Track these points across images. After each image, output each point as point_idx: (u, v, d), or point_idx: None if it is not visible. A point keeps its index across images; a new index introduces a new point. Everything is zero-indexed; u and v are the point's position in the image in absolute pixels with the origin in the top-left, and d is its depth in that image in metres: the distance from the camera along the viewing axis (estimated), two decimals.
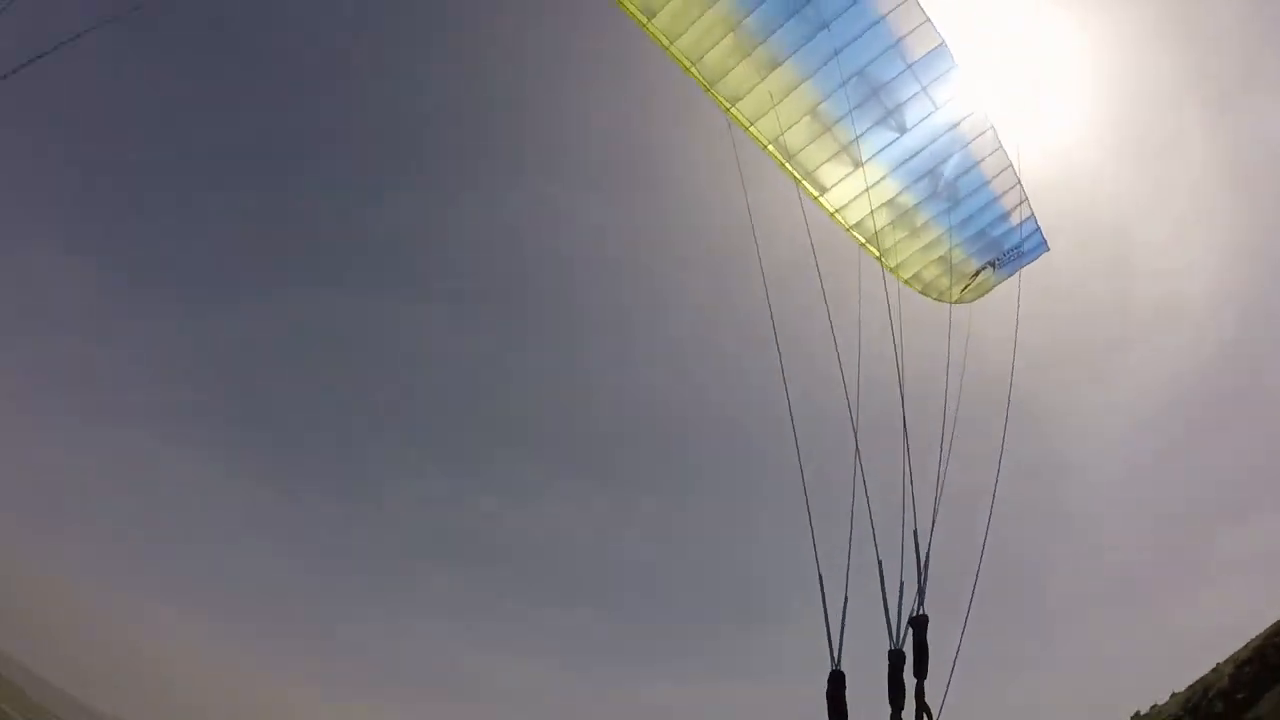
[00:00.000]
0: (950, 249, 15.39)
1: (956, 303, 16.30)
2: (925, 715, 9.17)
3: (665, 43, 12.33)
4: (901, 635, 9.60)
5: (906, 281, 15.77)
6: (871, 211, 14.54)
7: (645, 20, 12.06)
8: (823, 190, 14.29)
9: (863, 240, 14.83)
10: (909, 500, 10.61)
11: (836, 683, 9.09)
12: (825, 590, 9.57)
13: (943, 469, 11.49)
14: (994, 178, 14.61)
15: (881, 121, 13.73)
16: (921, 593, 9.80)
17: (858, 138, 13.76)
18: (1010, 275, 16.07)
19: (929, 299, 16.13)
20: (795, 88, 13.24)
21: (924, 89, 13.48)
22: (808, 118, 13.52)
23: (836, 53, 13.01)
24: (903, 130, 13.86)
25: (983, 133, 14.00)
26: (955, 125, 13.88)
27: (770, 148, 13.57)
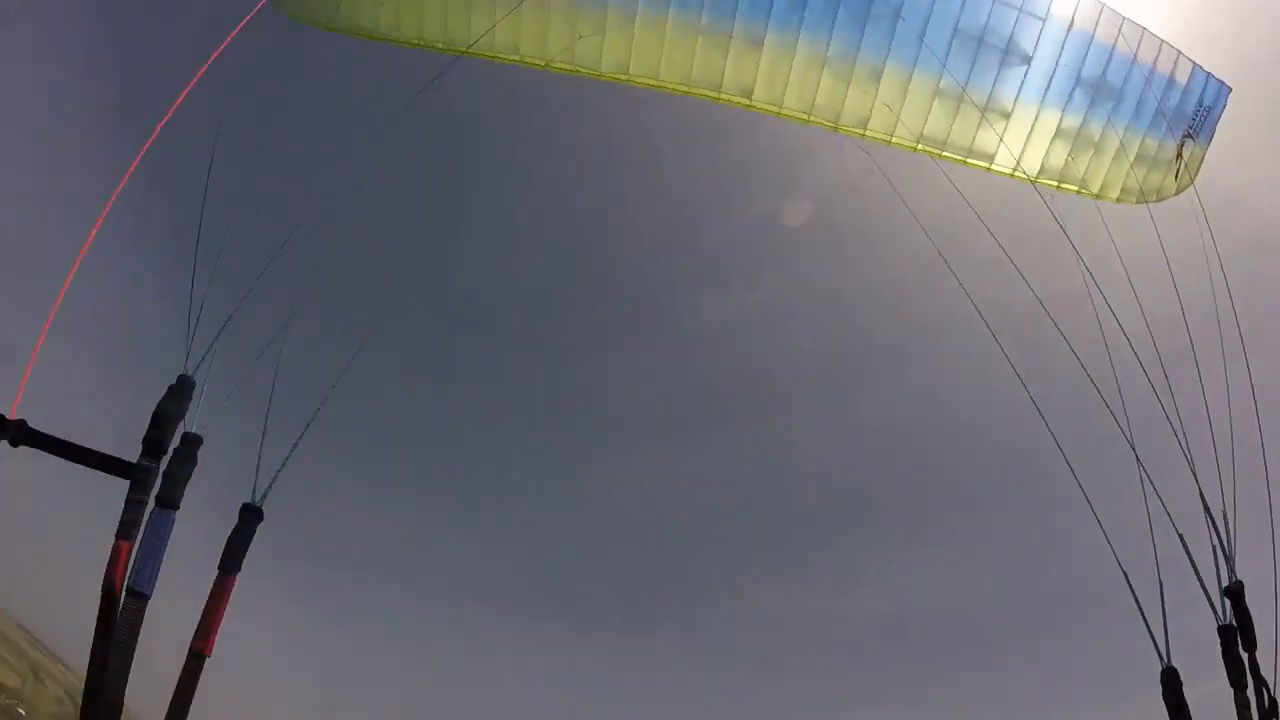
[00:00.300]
0: (1140, 144, 13.80)
1: (1178, 193, 14.49)
2: (1265, 691, 8.17)
3: (775, 110, 11.78)
4: (1225, 608, 8.58)
5: (1118, 199, 14.07)
6: (1046, 151, 13.24)
7: (749, 102, 11.58)
8: (989, 159, 13.08)
9: (1056, 183, 13.39)
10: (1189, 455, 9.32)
11: (1172, 680, 8.24)
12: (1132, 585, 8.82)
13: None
14: (1137, 50, 13.27)
15: (1003, 64, 12.71)
16: (1230, 560, 8.81)
17: (991, 92, 12.75)
18: (1212, 135, 14.32)
19: (1149, 204, 14.34)
20: (908, 85, 12.48)
21: (1020, 10, 12.58)
22: (935, 102, 12.62)
23: (923, 32, 12.36)
24: (1027, 60, 12.80)
25: (1100, 12, 12.90)
26: (1071, 24, 12.80)
27: (920, 147, 12.59)
